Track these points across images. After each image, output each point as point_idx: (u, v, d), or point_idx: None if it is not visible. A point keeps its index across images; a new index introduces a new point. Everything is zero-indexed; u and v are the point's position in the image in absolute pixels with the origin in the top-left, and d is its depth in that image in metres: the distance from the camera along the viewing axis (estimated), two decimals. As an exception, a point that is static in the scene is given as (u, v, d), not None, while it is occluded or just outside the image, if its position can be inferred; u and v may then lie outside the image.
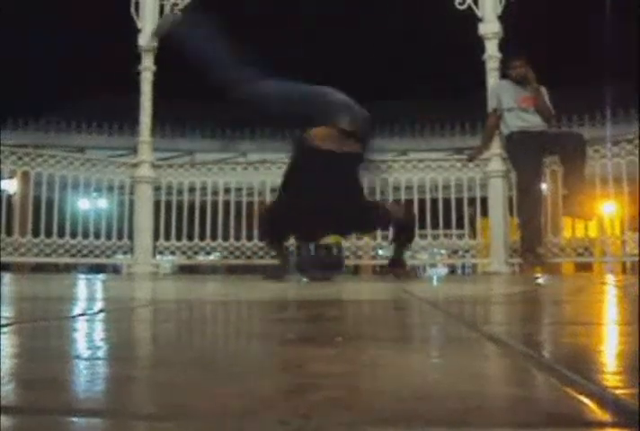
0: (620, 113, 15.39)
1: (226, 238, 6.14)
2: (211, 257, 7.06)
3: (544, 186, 5.66)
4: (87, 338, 1.02)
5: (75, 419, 0.47)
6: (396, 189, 6.15)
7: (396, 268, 4.20)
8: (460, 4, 5.76)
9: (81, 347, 0.90)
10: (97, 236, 6.07)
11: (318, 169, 3.90)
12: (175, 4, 6.11)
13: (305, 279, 3.99)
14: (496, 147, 5.70)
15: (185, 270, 11.16)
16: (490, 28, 5.75)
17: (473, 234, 6.22)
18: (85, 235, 6.04)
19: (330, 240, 4.03)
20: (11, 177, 6.12)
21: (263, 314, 1.61)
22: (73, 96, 18.98)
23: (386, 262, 4.61)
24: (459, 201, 6.04)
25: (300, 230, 4.13)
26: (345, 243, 5.86)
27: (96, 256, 6.02)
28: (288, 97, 4.13)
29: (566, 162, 5.19)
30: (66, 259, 6.07)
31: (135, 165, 6.18)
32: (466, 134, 17.13)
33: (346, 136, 3.96)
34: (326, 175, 3.89)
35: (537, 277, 4.50)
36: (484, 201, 5.90)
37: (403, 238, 4.28)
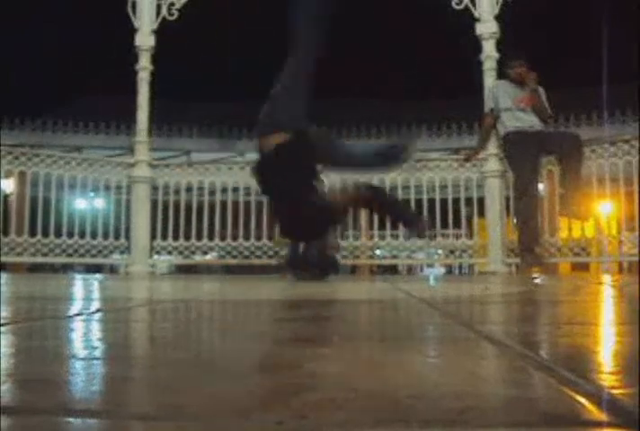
0: (617, 113, 15.43)
1: (223, 238, 6.14)
2: (208, 256, 7.06)
3: (541, 186, 5.66)
4: (84, 337, 1.02)
5: (72, 419, 0.46)
6: (393, 189, 6.16)
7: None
8: (457, 4, 5.77)
9: (78, 346, 0.90)
10: (94, 236, 6.06)
11: (264, 175, 3.86)
12: (172, 4, 6.11)
13: (296, 278, 3.96)
14: (493, 147, 5.71)
15: (182, 270, 11.15)
16: (487, 28, 5.76)
17: (470, 234, 6.23)
18: (82, 235, 6.04)
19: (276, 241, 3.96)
20: (7, 177, 6.11)
21: (260, 314, 1.61)
22: (70, 96, 18.95)
23: (382, 263, 4.57)
24: (456, 201, 6.05)
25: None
26: (342, 244, 5.87)
27: (93, 256, 6.01)
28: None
29: (563, 162, 5.19)
30: (63, 259, 6.07)
31: (132, 165, 6.17)
32: (463, 134, 17.13)
33: (265, 134, 3.79)
34: (269, 179, 3.80)
35: (534, 277, 4.51)
36: (480, 201, 5.91)
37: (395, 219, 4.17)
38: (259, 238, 6.05)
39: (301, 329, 1.12)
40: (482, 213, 5.88)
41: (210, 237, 6.12)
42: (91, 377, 0.64)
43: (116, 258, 6.41)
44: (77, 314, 1.44)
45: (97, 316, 1.40)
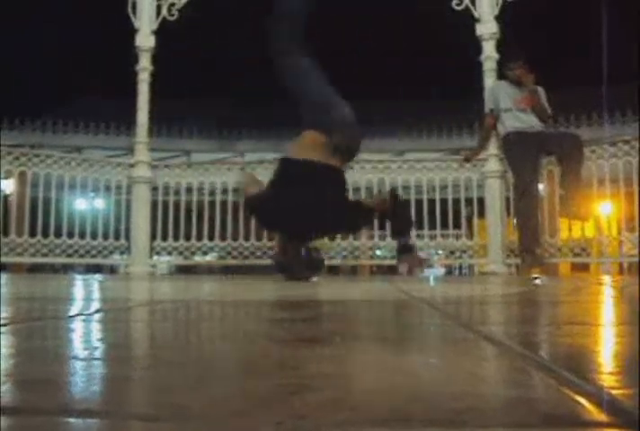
0: (617, 114, 15.44)
1: (223, 238, 6.14)
2: (208, 257, 7.06)
3: (541, 186, 5.67)
4: (84, 338, 1.02)
5: (72, 420, 0.46)
6: (393, 189, 6.16)
7: (404, 257, 4.11)
8: (457, 4, 5.77)
9: (78, 347, 0.90)
10: (94, 236, 6.07)
11: (297, 178, 3.87)
12: (172, 5, 6.11)
13: (285, 278, 3.95)
14: (493, 148, 5.71)
15: (182, 271, 11.14)
16: (487, 28, 5.77)
17: (470, 235, 6.23)
18: (82, 235, 6.04)
19: (316, 243, 4.01)
20: (8, 177, 6.12)
21: (259, 314, 1.61)
22: (70, 96, 18.95)
23: (381, 263, 4.56)
24: (456, 202, 6.05)
25: (286, 229, 4.08)
26: (341, 244, 5.87)
27: (93, 256, 6.01)
28: (314, 95, 4.14)
29: (563, 162, 5.19)
30: (63, 260, 6.07)
31: (132, 165, 6.18)
32: (464, 134, 17.15)
33: (333, 151, 3.91)
34: (305, 183, 3.83)
35: (534, 278, 4.51)
36: (481, 201, 5.91)
37: (395, 228, 4.27)
38: (259, 238, 6.05)
39: (301, 330, 1.12)
40: (482, 213, 5.88)
41: (210, 238, 6.12)
42: (91, 377, 0.64)
43: (116, 258, 6.42)
44: (77, 315, 1.43)
45: (97, 316, 1.40)
